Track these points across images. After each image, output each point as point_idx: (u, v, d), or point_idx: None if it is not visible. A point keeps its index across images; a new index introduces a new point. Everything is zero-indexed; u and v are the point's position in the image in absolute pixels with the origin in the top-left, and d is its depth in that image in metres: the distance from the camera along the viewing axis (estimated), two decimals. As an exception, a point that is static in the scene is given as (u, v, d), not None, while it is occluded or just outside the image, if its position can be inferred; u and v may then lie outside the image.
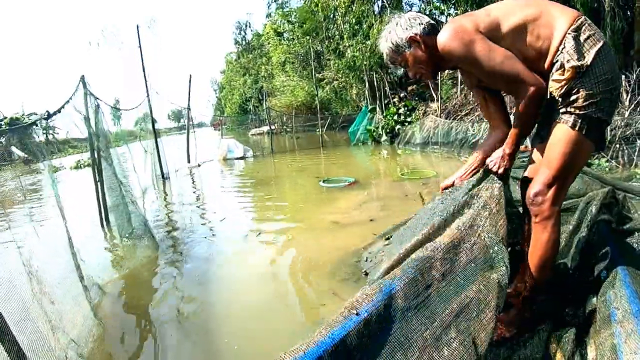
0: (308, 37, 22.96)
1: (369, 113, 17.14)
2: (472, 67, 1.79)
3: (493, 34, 1.74)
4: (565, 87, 1.66)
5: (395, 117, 15.45)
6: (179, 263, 4.17)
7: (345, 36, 18.09)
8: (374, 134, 16.05)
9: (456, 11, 12.90)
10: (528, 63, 1.73)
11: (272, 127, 21.26)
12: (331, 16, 19.85)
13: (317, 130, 20.76)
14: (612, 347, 1.37)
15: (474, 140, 10.08)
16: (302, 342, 1.28)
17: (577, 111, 1.67)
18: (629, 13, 8.71)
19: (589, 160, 6.48)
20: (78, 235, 3.11)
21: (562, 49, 1.66)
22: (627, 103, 7.40)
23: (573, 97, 1.66)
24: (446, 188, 2.14)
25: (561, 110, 1.72)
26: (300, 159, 13.89)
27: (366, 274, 3.30)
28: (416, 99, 17.18)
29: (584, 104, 1.65)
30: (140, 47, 10.05)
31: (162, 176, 10.38)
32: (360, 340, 1.32)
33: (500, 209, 1.75)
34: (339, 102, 25.17)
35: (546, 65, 1.73)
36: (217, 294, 3.38)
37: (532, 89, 1.67)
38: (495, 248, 1.64)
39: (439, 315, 1.46)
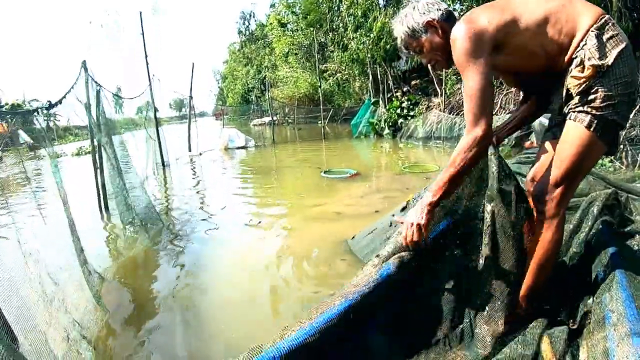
0: (312, 29, 22.81)
1: (372, 106, 17.10)
2: (459, 67, 1.73)
3: (507, 30, 1.68)
4: (584, 85, 1.62)
5: (399, 111, 15.42)
6: (179, 250, 4.15)
7: (349, 28, 17.99)
8: (377, 127, 16.02)
9: (462, 6, 12.77)
10: (549, 58, 1.70)
11: (274, 118, 21.18)
12: (335, 8, 19.72)
13: (319, 122, 20.70)
14: (605, 350, 1.35)
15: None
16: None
17: (594, 111, 1.62)
18: (635, 15, 8.64)
19: (593, 161, 6.44)
20: (78, 222, 3.07)
21: (584, 45, 1.61)
22: (632, 103, 7.36)
23: (591, 97, 1.62)
24: None
25: (577, 109, 1.66)
26: (302, 150, 13.89)
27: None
28: (419, 93, 17.11)
29: (602, 104, 1.60)
30: (142, 34, 9.98)
31: (163, 164, 10.37)
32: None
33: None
34: (341, 95, 25.11)
35: (566, 59, 1.68)
36: (216, 282, 3.38)
37: (481, 134, 1.60)
38: None
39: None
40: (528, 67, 1.77)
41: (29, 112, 2.85)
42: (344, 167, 8.60)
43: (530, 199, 1.88)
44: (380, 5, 16.47)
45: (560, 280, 2.07)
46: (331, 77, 24.20)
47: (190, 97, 13.98)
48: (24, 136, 17.13)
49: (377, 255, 1.82)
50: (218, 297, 3.12)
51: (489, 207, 1.77)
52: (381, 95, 17.45)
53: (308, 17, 23.70)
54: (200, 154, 13.34)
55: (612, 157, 6.49)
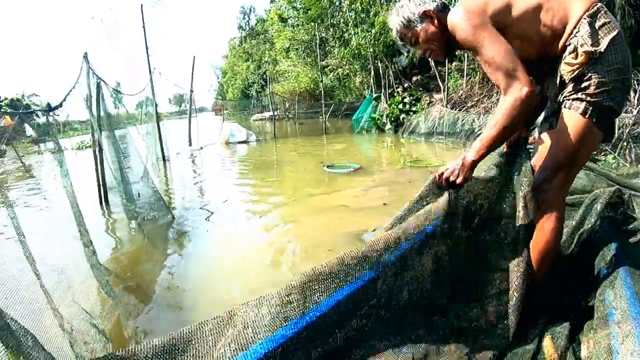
0: (313, 24, 22.72)
1: (374, 101, 17.04)
2: (473, 53, 1.73)
3: (503, 15, 1.70)
4: (578, 71, 1.65)
5: (400, 106, 15.36)
6: (181, 244, 4.13)
7: (350, 24, 17.91)
8: (378, 122, 15.97)
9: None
10: (544, 44, 1.73)
11: (275, 113, 21.13)
12: (337, 3, 19.63)
13: (320, 117, 20.67)
14: (608, 348, 1.33)
15: (479, 133, 10.00)
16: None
17: (589, 98, 1.65)
18: (638, 12, 8.59)
19: (596, 157, 6.47)
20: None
21: (577, 32, 1.64)
22: (635, 101, 7.36)
23: (585, 84, 1.65)
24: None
25: (572, 97, 1.69)
26: (303, 144, 13.85)
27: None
28: (420, 89, 17.05)
29: (596, 91, 1.63)
30: (144, 26, 9.93)
31: (164, 158, 10.34)
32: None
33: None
34: (342, 90, 25.03)
35: (559, 46, 1.71)
36: (218, 275, 3.36)
37: (525, 89, 1.57)
38: None
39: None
40: (524, 53, 1.76)
41: (29, 113, 2.80)
42: (346, 161, 8.56)
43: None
44: (382, 1, 16.38)
45: (562, 276, 2.07)
46: (332, 73, 24.13)
47: (191, 91, 13.93)
48: (29, 130, 17.16)
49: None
50: (219, 290, 3.10)
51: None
52: (383, 90, 17.39)
53: (309, 12, 23.60)
54: (201, 148, 13.31)
55: (615, 154, 6.48)
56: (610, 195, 2.55)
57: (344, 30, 19.08)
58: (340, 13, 19.39)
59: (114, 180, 4.68)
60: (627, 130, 6.71)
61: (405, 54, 16.82)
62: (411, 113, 14.87)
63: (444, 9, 1.83)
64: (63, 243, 3.13)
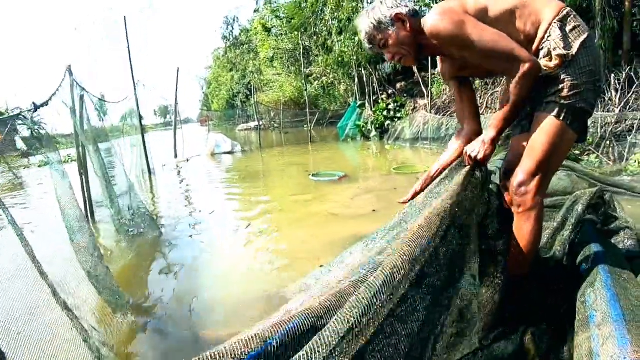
0: (296, 33, 22.82)
1: (358, 109, 17.12)
2: (462, 49, 1.73)
3: (481, 16, 1.72)
4: (552, 75, 1.70)
5: (385, 113, 15.45)
6: (169, 257, 4.06)
7: (333, 32, 18.03)
8: (363, 129, 16.05)
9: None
10: None
11: (260, 123, 21.10)
12: (319, 12, 19.75)
13: (305, 125, 20.68)
14: (589, 350, 1.33)
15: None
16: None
17: (562, 101, 1.69)
18: (617, 14, 8.77)
19: (579, 157, 6.56)
20: (63, 230, 2.98)
21: (548, 37, 1.70)
22: (617, 100, 7.51)
23: (558, 87, 1.69)
24: (413, 198, 2.08)
25: (546, 100, 1.74)
26: (289, 154, 13.82)
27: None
28: (404, 95, 17.17)
29: (569, 93, 1.68)
30: (127, 39, 9.87)
31: (149, 171, 10.22)
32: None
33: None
34: (327, 99, 25.12)
35: (532, 50, 1.76)
36: (207, 285, 3.30)
37: (527, 64, 1.62)
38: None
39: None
40: None
41: (14, 117, 2.73)
42: (332, 170, 8.55)
43: (505, 194, 1.91)
44: (366, 9, 16.51)
45: (543, 277, 2.08)
46: (316, 81, 24.20)
47: (176, 103, 13.87)
48: (19, 143, 16.84)
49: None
50: (208, 300, 3.04)
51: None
52: (367, 98, 17.48)
53: (292, 21, 23.74)
54: (187, 160, 13.20)
55: (598, 154, 6.58)
56: (591, 197, 2.59)
57: (326, 38, 19.18)
58: (323, 22, 19.51)
59: (100, 194, 4.59)
60: (610, 129, 6.83)
61: (389, 61, 16.95)
62: (396, 119, 14.96)
63: (415, 15, 1.83)
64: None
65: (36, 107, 2.74)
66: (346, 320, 0.83)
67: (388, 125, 15.07)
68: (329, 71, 21.79)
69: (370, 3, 1.94)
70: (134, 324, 2.73)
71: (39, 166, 13.99)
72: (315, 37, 21.59)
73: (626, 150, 6.33)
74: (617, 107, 7.36)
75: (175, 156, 13.67)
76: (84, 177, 5.01)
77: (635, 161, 5.69)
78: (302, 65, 19.78)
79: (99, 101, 6.21)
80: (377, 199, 5.66)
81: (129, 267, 3.86)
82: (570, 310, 1.69)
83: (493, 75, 2.25)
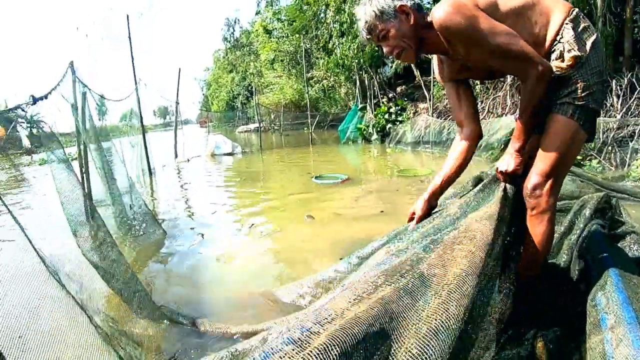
0: (298, 35, 22.85)
1: (359, 112, 17.13)
2: (471, 46, 1.67)
3: (491, 11, 1.66)
4: (565, 76, 1.69)
5: (387, 116, 15.47)
6: (170, 257, 4.03)
7: (334, 35, 18.04)
8: (365, 132, 16.04)
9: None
10: None
11: (261, 125, 21.09)
12: (320, 15, 19.79)
13: (305, 128, 20.69)
14: (602, 353, 1.33)
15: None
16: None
17: (576, 102, 1.68)
18: (618, 20, 8.81)
19: (581, 162, 6.57)
20: (63, 232, 2.96)
21: (560, 38, 1.68)
22: (618, 106, 7.55)
23: (571, 88, 1.68)
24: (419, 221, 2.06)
25: (559, 102, 1.72)
26: (290, 156, 13.81)
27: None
28: (405, 99, 17.20)
29: (582, 94, 1.67)
30: (130, 38, 9.86)
31: (150, 171, 10.20)
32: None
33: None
34: (327, 101, 25.15)
35: (542, 53, 1.72)
36: (210, 287, 3.27)
37: (540, 67, 1.61)
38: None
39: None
40: None
41: (12, 109, 2.68)
42: (334, 172, 8.53)
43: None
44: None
45: (553, 281, 2.08)
46: (317, 84, 24.23)
47: (177, 103, 13.85)
48: (25, 140, 16.80)
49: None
50: (212, 303, 3.01)
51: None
52: (368, 101, 17.51)
53: (294, 23, 23.76)
54: (188, 161, 13.19)
55: (600, 159, 6.59)
56: (598, 201, 2.60)
57: (327, 40, 19.20)
58: (325, 25, 19.53)
59: (101, 192, 4.57)
60: (612, 135, 6.84)
61: (390, 64, 16.99)
62: (397, 123, 14.97)
63: (419, 9, 1.77)
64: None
65: (35, 100, 2.70)
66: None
67: (389, 128, 15.08)
68: (329, 74, 21.82)
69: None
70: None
71: (40, 164, 13.93)
72: (316, 40, 21.63)
73: (628, 156, 6.33)
74: (619, 113, 7.40)
75: (176, 156, 13.64)
76: (85, 175, 4.98)
77: (638, 167, 5.69)
78: (304, 68, 19.80)
79: (101, 99, 6.18)
80: (383, 202, 5.65)
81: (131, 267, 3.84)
82: (580, 314, 1.69)
83: (492, 77, 2.22)
